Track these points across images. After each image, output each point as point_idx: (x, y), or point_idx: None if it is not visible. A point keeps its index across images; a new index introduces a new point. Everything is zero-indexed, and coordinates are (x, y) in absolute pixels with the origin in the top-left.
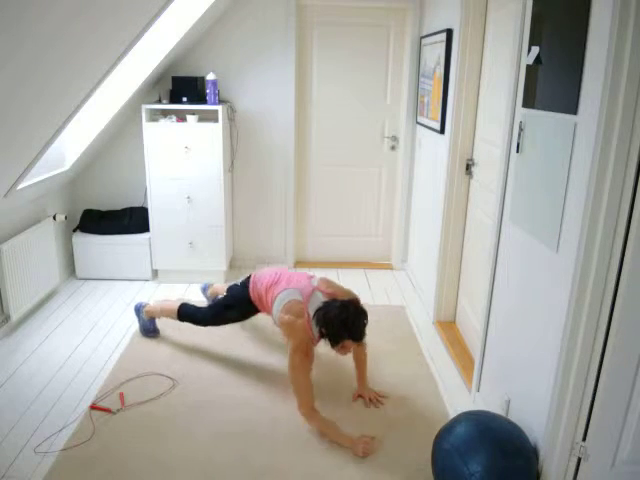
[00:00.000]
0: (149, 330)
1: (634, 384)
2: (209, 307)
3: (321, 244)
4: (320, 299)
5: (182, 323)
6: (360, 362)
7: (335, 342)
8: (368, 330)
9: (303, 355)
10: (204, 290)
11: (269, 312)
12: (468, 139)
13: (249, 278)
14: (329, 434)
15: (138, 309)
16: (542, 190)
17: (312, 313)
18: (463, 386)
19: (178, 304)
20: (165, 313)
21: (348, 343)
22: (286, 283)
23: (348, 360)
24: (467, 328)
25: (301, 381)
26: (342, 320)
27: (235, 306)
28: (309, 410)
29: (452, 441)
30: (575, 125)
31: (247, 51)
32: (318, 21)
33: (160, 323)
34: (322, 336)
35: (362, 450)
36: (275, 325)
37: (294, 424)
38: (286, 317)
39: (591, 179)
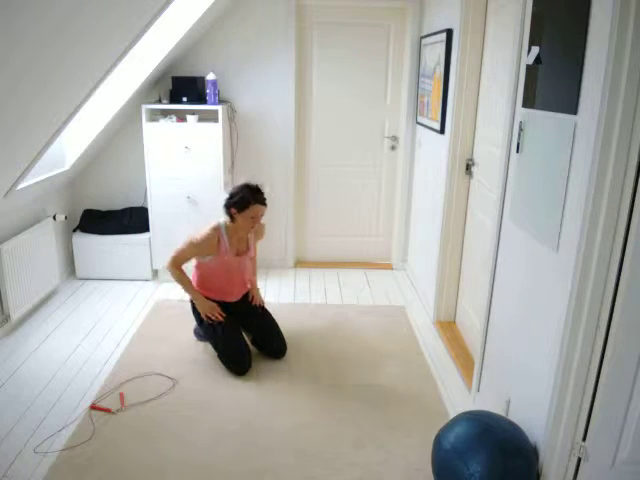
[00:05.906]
0: (200, 335)
1: (634, 384)
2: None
3: (321, 244)
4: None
5: (182, 324)
6: (252, 263)
7: (243, 205)
8: (368, 330)
9: (195, 246)
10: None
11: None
12: (468, 139)
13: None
14: (184, 288)
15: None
16: (542, 190)
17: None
18: (463, 386)
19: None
20: None
21: (255, 209)
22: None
23: (348, 363)
24: (467, 328)
25: (180, 252)
26: (246, 185)
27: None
28: (174, 266)
29: (452, 441)
30: (575, 125)
31: (247, 51)
32: (318, 21)
33: (158, 323)
34: (230, 213)
35: (205, 315)
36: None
37: (293, 426)
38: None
39: (591, 179)
